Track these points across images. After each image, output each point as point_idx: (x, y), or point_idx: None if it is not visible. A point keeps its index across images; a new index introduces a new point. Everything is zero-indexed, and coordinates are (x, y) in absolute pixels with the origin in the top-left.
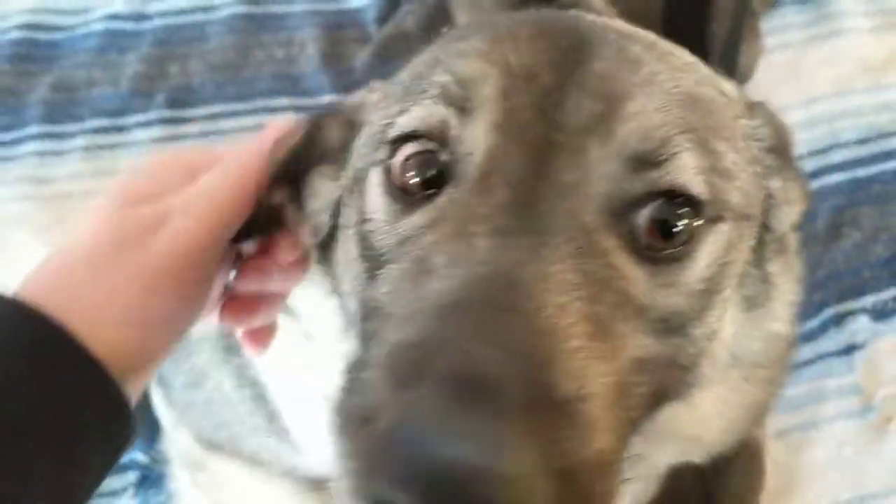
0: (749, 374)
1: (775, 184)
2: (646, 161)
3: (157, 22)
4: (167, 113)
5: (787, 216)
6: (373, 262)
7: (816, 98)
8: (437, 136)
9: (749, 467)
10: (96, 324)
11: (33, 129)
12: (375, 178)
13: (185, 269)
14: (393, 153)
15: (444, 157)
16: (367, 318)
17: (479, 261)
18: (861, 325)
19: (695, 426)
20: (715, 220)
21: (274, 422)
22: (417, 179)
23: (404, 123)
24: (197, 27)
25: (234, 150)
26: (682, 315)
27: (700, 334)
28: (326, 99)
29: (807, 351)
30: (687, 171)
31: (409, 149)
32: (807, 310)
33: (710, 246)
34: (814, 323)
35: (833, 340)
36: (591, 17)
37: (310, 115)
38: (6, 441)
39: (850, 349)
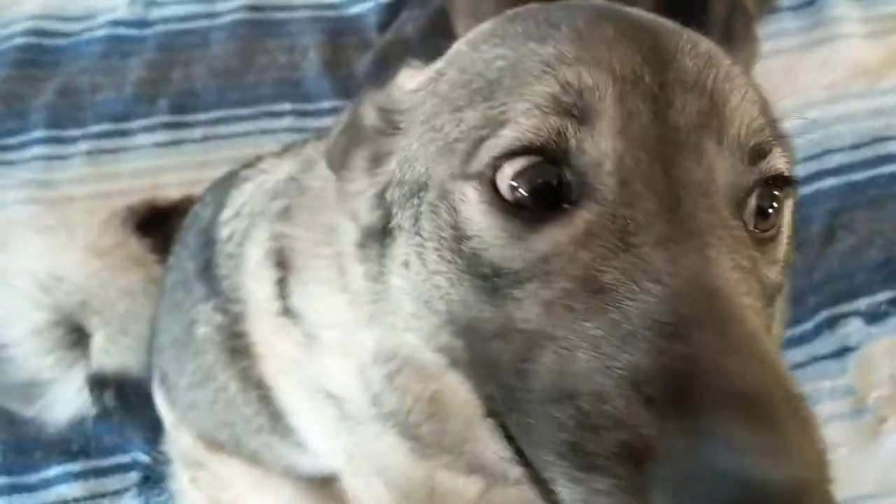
0: None
1: None
2: (758, 153)
3: (161, 28)
4: (170, 118)
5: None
6: (492, 280)
7: (811, 103)
8: (551, 149)
9: None
10: None
11: (38, 133)
12: (473, 195)
13: None
14: (497, 168)
15: (560, 169)
16: (499, 337)
17: (666, 272)
18: (854, 328)
19: None
20: (789, 195)
21: (279, 421)
22: (532, 195)
23: (513, 137)
24: (200, 33)
25: None
26: (777, 288)
27: (778, 310)
28: (328, 104)
29: (800, 353)
30: (781, 158)
31: (519, 163)
32: (801, 313)
33: (788, 219)
34: (807, 326)
35: (826, 343)
36: (619, 6)
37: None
38: None
39: (843, 351)
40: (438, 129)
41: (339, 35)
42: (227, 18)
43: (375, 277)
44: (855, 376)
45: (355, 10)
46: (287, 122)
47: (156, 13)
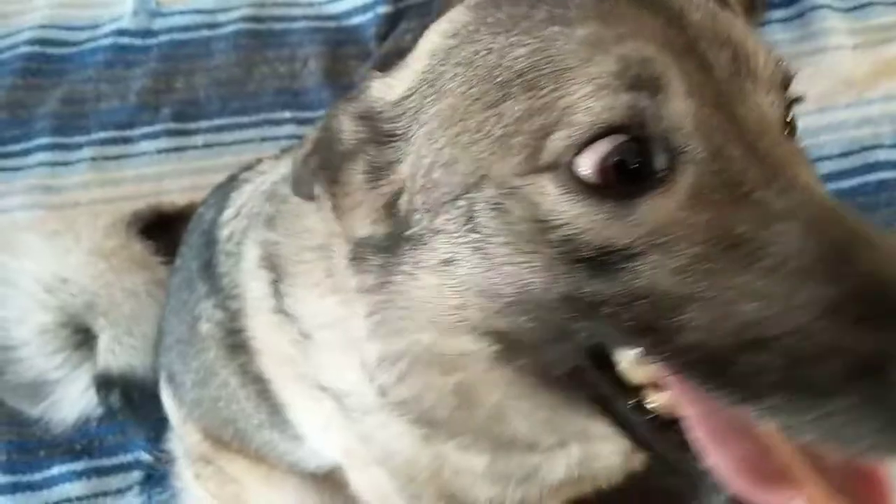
0: None
1: None
2: (785, 83)
3: (164, 38)
4: (173, 125)
5: None
6: (596, 259)
7: (800, 113)
8: (630, 125)
9: None
10: None
11: (43, 140)
12: (553, 187)
13: None
14: (576, 154)
15: (642, 143)
16: (612, 305)
17: (789, 209)
18: None
19: None
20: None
21: (277, 415)
22: (621, 173)
23: (589, 122)
24: (202, 43)
25: None
26: None
27: None
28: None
29: None
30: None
31: (602, 146)
32: None
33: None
34: None
35: None
36: None
37: (328, 111)
38: None
39: None
40: (475, 129)
41: (338, 45)
42: (229, 29)
43: (376, 288)
44: None
45: (355, 20)
46: (287, 129)
47: (159, 23)
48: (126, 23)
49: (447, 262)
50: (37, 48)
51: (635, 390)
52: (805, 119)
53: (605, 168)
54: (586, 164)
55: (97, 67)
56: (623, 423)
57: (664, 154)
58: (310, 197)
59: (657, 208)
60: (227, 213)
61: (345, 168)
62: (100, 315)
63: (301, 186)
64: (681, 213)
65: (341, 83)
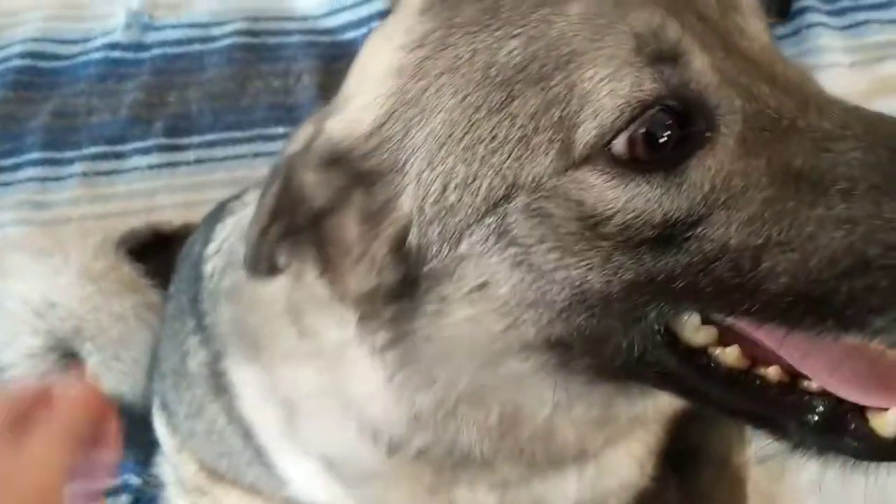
0: None
1: None
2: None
3: (156, 52)
4: (165, 140)
5: None
6: (658, 237)
7: None
8: (661, 96)
9: (730, 494)
10: None
11: (33, 154)
12: (596, 178)
13: None
14: (614, 138)
15: (675, 108)
16: (682, 277)
17: (837, 128)
18: None
19: None
20: None
21: (262, 455)
22: (664, 144)
23: (621, 104)
24: (195, 57)
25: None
26: None
27: None
28: None
29: None
30: None
31: (639, 123)
32: None
33: None
34: None
35: None
36: None
37: (272, 170)
38: None
39: None
40: (488, 138)
41: (333, 60)
42: (223, 43)
43: (393, 343)
44: None
45: (349, 35)
46: (281, 145)
47: (152, 37)
48: (118, 36)
49: (482, 286)
50: (28, 61)
51: (702, 351)
52: None
53: (644, 142)
54: (624, 144)
55: (89, 81)
56: (695, 391)
57: (700, 113)
58: (272, 272)
59: (710, 167)
60: (211, 247)
61: (330, 226)
62: (87, 340)
63: (259, 264)
64: (738, 165)
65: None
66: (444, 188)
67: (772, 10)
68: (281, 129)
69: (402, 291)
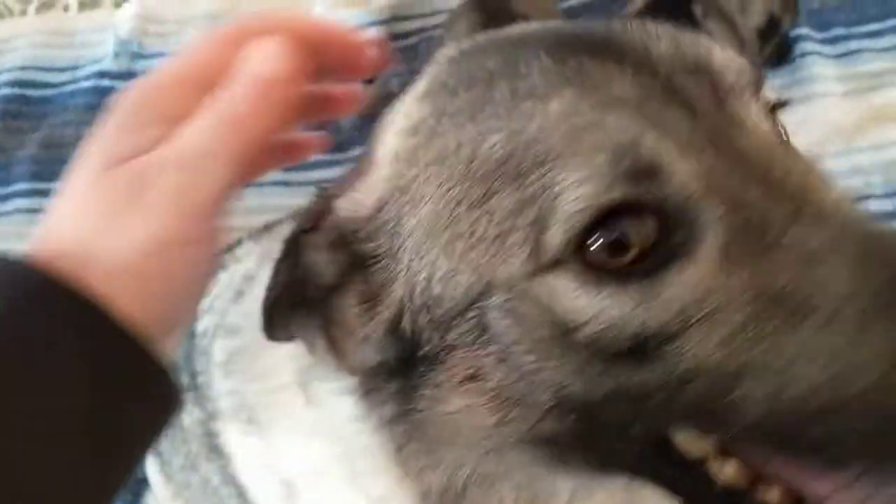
0: None
1: None
2: (759, 86)
3: None
4: None
5: None
6: (632, 350)
7: None
8: (631, 204)
9: None
10: (121, 293)
11: (22, 185)
12: (565, 284)
13: (189, 229)
14: (583, 243)
15: (651, 215)
16: (656, 392)
17: (827, 241)
18: None
19: None
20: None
21: None
22: (639, 252)
23: (582, 208)
24: None
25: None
26: None
27: None
28: (313, 157)
29: None
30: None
31: (610, 230)
32: None
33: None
34: None
35: None
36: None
37: (285, 245)
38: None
39: None
40: (467, 233)
41: None
42: None
43: (399, 417)
44: None
45: None
46: (273, 175)
47: (141, 65)
48: (107, 64)
49: (471, 378)
50: (16, 90)
51: (700, 462)
52: None
53: (616, 250)
54: (595, 250)
55: (77, 110)
56: (696, 501)
57: (680, 224)
58: (289, 339)
59: (688, 280)
60: (202, 304)
61: (334, 304)
62: None
63: (276, 332)
64: (715, 279)
65: (327, 127)
66: (429, 279)
67: (772, 61)
68: None
69: (403, 369)
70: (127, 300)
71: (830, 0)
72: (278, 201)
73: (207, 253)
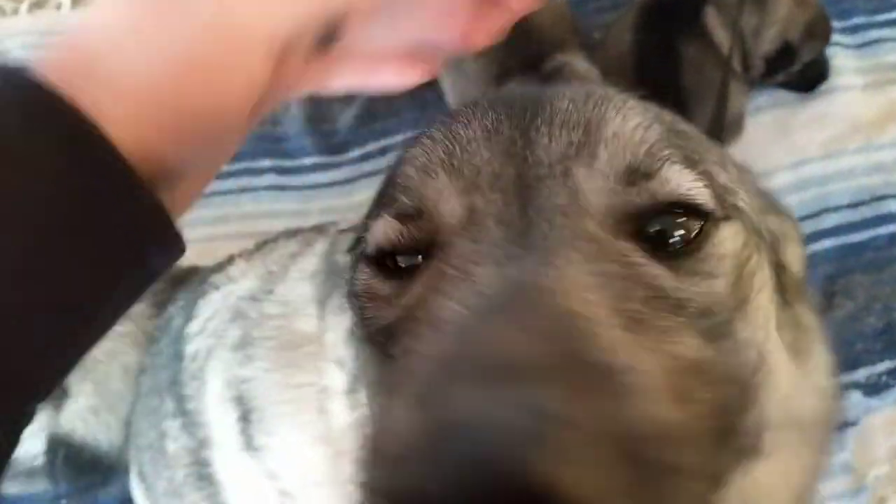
0: (807, 436)
1: (773, 221)
2: (636, 173)
3: None
4: None
5: (794, 255)
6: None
7: (806, 159)
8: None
9: None
10: (118, 115)
11: None
12: (362, 273)
13: (236, 57)
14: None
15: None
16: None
17: (487, 282)
18: (853, 401)
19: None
20: (725, 218)
21: None
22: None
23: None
24: None
25: None
26: (720, 306)
27: (746, 339)
28: (308, 161)
29: None
30: (685, 181)
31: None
32: None
33: (725, 241)
34: None
35: None
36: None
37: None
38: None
39: (842, 426)
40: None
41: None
42: None
43: None
44: (854, 452)
45: None
46: (268, 179)
47: None
48: None
49: None
50: None
51: None
52: (812, 166)
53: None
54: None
55: None
56: None
57: (428, 244)
58: None
59: (411, 290)
60: (193, 325)
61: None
62: (88, 380)
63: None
64: (422, 293)
65: (323, 130)
66: None
67: (801, 86)
68: (267, 162)
69: None
70: (125, 127)
71: None
72: (273, 207)
73: (246, 96)
